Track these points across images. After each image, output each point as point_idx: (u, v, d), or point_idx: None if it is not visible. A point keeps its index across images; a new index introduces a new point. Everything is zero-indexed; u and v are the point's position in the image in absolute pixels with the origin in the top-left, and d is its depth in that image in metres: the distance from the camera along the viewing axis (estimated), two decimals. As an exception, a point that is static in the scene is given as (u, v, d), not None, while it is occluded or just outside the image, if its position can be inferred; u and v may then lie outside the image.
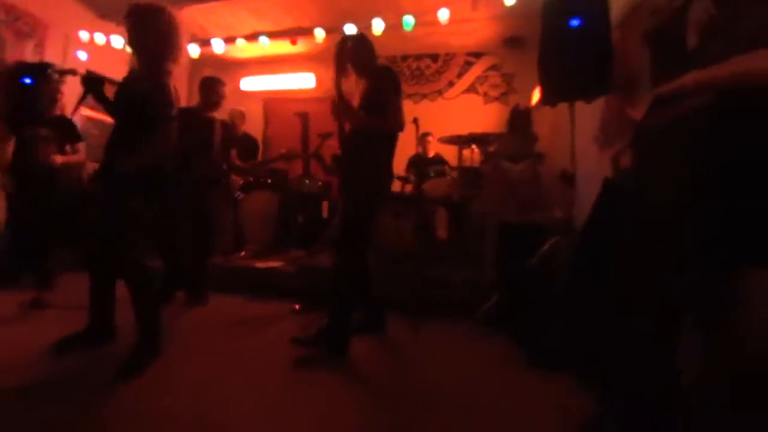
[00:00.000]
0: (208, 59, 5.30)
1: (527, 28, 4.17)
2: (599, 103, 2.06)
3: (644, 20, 1.67)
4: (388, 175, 2.12)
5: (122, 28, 1.84)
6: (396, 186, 4.03)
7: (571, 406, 1.42)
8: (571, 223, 2.06)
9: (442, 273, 2.82)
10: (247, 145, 4.23)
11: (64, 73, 2.51)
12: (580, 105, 2.12)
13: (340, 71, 2.04)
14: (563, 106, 2.16)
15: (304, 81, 5.45)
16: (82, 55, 4.41)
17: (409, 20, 4.09)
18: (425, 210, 3.43)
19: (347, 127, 2.12)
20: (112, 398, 1.45)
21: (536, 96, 3.14)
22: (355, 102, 2.09)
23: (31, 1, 3.90)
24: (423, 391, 1.61)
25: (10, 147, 2.90)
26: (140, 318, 1.76)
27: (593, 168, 2.09)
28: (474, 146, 3.48)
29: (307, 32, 4.41)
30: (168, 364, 1.75)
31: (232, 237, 4.19)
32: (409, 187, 3.88)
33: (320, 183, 4.49)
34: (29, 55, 4.01)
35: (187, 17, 4.52)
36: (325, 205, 4.33)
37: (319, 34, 4.34)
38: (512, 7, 3.76)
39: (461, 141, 3.56)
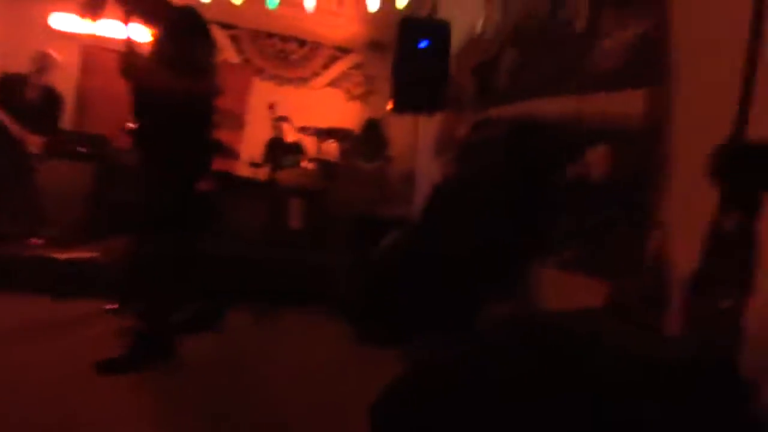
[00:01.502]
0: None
1: (389, 36, 4.49)
2: (439, 118, 2.40)
3: (472, 56, 2.03)
4: (205, 149, 1.83)
5: None
6: (249, 171, 3.84)
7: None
8: (408, 219, 2.36)
9: (294, 261, 2.84)
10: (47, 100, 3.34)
11: None
12: (424, 117, 2.44)
13: (130, 13, 1.63)
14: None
15: (141, 33, 4.63)
16: None
17: (274, -2, 3.92)
18: (278, 198, 3.38)
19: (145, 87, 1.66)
20: None
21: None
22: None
23: None
24: (255, 377, 1.60)
25: None
26: None
27: (430, 172, 2.43)
28: (331, 140, 3.59)
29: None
30: None
31: (23, 217, 3.26)
32: (261, 173, 3.73)
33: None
34: None
35: None
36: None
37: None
38: (377, 13, 3.99)
39: (321, 133, 3.63)
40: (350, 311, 2.26)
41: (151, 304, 1.68)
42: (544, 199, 1.46)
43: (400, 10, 3.70)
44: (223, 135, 3.68)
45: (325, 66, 5.25)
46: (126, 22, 1.64)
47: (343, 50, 5.26)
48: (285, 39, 5.16)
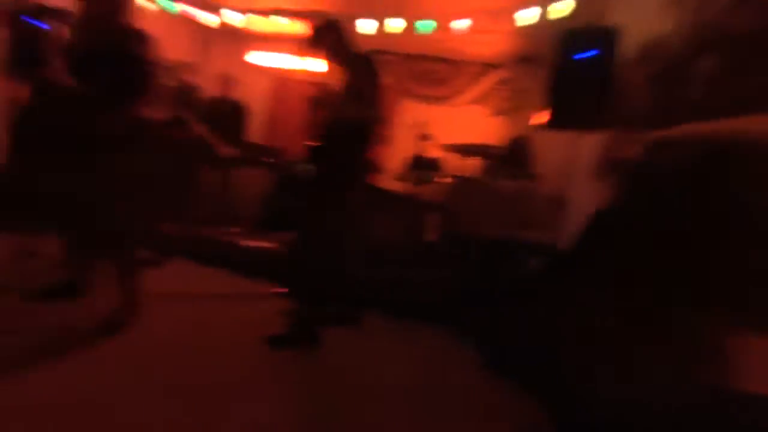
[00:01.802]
0: (221, 28, 5.24)
1: (542, 49, 4.24)
2: (601, 135, 2.13)
3: (651, 65, 1.74)
4: (364, 166, 2.16)
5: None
6: (395, 185, 4.09)
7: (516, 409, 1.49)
8: (556, 247, 2.14)
9: (424, 275, 2.87)
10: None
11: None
12: (582, 134, 2.20)
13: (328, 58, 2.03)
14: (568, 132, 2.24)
15: (318, 65, 5.42)
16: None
17: (427, 24, 4.12)
18: (417, 212, 3.49)
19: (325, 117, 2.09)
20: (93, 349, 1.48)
21: (541, 117, 3.22)
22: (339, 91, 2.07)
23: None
24: (367, 386, 1.66)
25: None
26: (122, 276, 1.80)
27: (587, 196, 2.17)
28: (474, 157, 3.54)
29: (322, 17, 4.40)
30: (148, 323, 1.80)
31: (223, 210, 4.17)
32: (405, 187, 3.92)
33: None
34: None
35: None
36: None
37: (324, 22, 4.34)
38: (529, 27, 3.82)
39: (463, 150, 3.62)
40: (478, 336, 2.17)
41: (310, 295, 1.96)
42: (746, 245, 1.14)
43: (553, 22, 3.46)
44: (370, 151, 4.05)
45: (470, 83, 5.26)
46: (328, 63, 2.05)
47: (489, 66, 5.19)
48: (434, 60, 5.37)
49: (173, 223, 3.65)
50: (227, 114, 4.03)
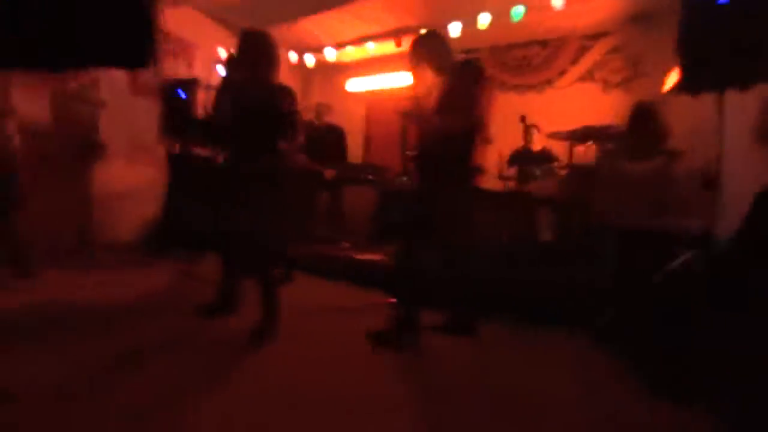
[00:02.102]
0: (319, 65, 5.75)
1: (656, 3, 3.61)
2: (758, 92, 1.70)
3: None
4: (470, 172, 2.14)
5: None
6: (498, 184, 3.90)
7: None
8: (712, 236, 1.75)
9: (543, 278, 2.65)
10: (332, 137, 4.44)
11: (210, 87, 2.98)
12: (731, 94, 1.78)
13: (417, 75, 2.07)
14: (707, 95, 1.84)
15: (407, 79, 5.55)
16: (222, 70, 5.17)
17: (518, 10, 3.87)
18: (527, 210, 3.26)
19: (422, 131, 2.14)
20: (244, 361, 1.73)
21: (672, 80, 2.71)
22: (433, 102, 2.07)
23: (181, 25, 4.67)
24: (507, 397, 1.57)
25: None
26: (266, 293, 2.06)
27: (747, 169, 1.74)
28: (589, 142, 3.17)
29: (413, 31, 4.48)
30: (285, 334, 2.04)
31: (336, 228, 4.53)
32: (511, 184, 3.71)
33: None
34: (182, 71, 4.85)
35: (300, 29, 4.96)
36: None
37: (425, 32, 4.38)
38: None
39: (573, 136, 3.28)
40: (621, 346, 1.90)
41: (409, 301, 2.05)
42: None
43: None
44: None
45: (574, 60, 4.75)
46: (416, 75, 2.09)
47: (593, 37, 4.62)
48: (526, 45, 5.02)
49: (296, 243, 4.10)
50: (329, 139, 4.36)
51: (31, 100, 3.58)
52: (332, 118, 4.65)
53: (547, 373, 1.80)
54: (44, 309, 2.28)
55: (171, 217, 3.68)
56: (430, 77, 2.06)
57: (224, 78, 2.13)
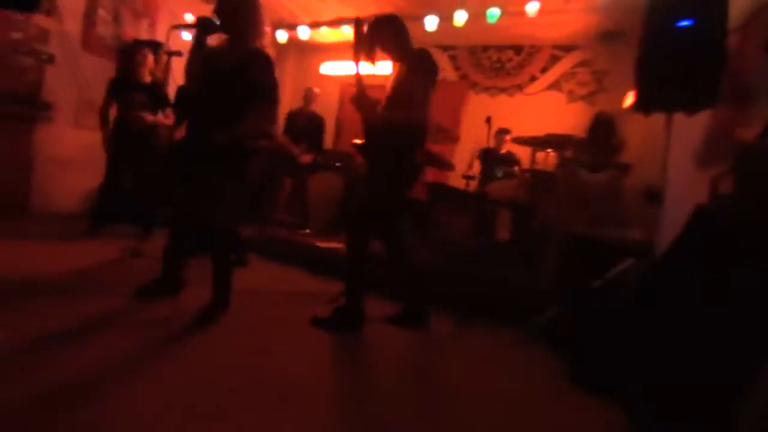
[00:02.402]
0: (293, 44, 5.56)
1: (627, 22, 3.79)
2: (702, 116, 1.83)
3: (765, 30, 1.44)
4: (411, 168, 2.07)
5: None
6: (460, 182, 3.98)
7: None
8: (651, 247, 1.89)
9: (496, 275, 2.75)
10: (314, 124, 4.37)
11: (172, 54, 2.78)
12: (679, 115, 1.90)
13: (359, 57, 1.97)
14: (659, 114, 1.96)
15: (382, 68, 5.50)
16: (186, 36, 4.87)
17: (494, 12, 3.92)
18: (487, 210, 3.35)
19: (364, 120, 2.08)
20: (189, 341, 1.67)
21: (629, 99, 2.87)
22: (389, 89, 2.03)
23: (149, -16, 4.35)
24: (445, 387, 1.63)
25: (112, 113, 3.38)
26: (218, 275, 1.98)
27: (686, 188, 1.88)
28: (550, 149, 3.29)
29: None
30: (233, 317, 2.00)
31: (298, 214, 4.45)
32: (474, 184, 3.80)
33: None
34: (143, 32, 4.53)
35: (277, 3, 4.77)
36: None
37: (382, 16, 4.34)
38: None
39: (537, 142, 3.39)
40: (558, 345, 2.01)
41: (351, 287, 2.07)
42: None
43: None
44: (439, 148, 3.99)
45: (544, 69, 4.91)
46: (371, 61, 2.01)
47: (564, 48, 4.79)
48: (501, 48, 5.12)
49: (256, 225, 3.99)
50: (310, 126, 4.25)
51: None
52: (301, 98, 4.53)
53: (484, 369, 1.87)
54: None
55: (115, 187, 3.44)
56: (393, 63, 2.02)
57: (195, 40, 1.93)
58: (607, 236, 2.05)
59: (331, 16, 4.87)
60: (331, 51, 5.80)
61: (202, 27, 1.90)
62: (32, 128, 3.76)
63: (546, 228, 2.73)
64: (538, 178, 3.16)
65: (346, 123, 5.84)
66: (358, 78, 1.97)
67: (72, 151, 3.99)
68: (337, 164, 4.54)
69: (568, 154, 3.09)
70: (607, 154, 2.51)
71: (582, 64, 4.72)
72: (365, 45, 1.99)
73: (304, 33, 4.93)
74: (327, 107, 5.30)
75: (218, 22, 1.89)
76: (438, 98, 2.09)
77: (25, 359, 1.40)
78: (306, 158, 4.14)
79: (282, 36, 5.02)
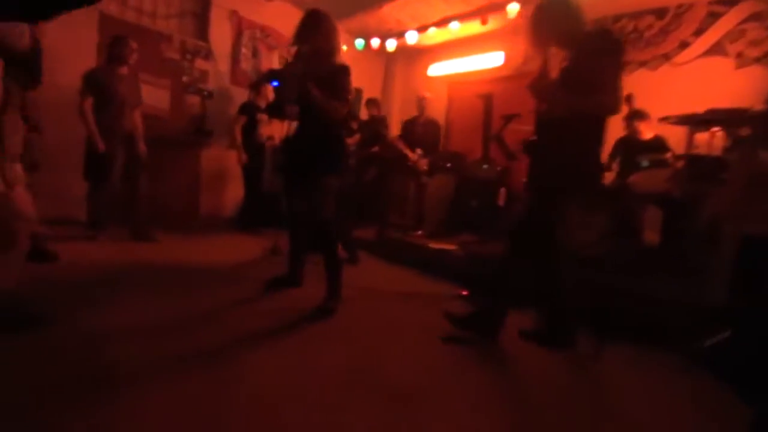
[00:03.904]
0: (401, 50, 5.69)
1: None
2: None
3: None
4: (597, 166, 1.85)
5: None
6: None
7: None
8: None
9: (643, 286, 2.33)
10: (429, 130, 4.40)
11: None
12: None
13: (540, 43, 1.82)
14: None
15: (491, 60, 5.25)
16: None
17: None
18: (628, 207, 2.88)
19: (546, 107, 1.86)
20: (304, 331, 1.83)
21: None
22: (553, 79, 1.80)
23: (277, 18, 4.93)
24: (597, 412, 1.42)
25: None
26: (328, 269, 2.18)
27: None
28: (715, 128, 2.67)
29: (499, 8, 4.19)
30: (347, 315, 2.15)
31: (413, 216, 4.53)
32: (610, 176, 3.31)
33: (498, 168, 4.33)
34: (275, 62, 5.16)
35: (385, 14, 4.93)
36: (502, 191, 4.17)
37: (513, 8, 4.07)
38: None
39: (694, 121, 2.80)
40: (730, 376, 1.59)
41: (498, 298, 1.95)
42: None
43: None
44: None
45: (698, 31, 4.03)
46: (542, 49, 1.86)
47: (727, 2, 3.85)
48: (637, 15, 4.38)
49: (369, 226, 4.19)
50: (425, 131, 4.32)
51: (154, 93, 4.11)
52: (414, 105, 4.61)
53: (638, 397, 1.59)
54: (154, 265, 2.75)
55: (259, 196, 4.10)
56: (553, 50, 1.82)
57: (295, 55, 2.23)
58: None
59: (438, 17, 4.83)
60: (438, 52, 5.76)
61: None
62: (199, 152, 4.64)
63: (714, 228, 2.22)
64: (698, 165, 2.59)
65: (455, 123, 5.73)
66: (544, 63, 1.83)
67: (227, 168, 4.82)
68: (447, 165, 4.48)
69: (744, 132, 2.46)
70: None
71: (753, 17, 3.73)
72: (541, 31, 1.82)
73: (412, 38, 5.00)
74: (435, 108, 5.28)
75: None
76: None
77: (187, 326, 1.82)
78: (423, 163, 4.22)
79: (391, 44, 5.18)
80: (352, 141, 3.77)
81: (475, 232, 3.89)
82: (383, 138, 4.52)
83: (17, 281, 1.60)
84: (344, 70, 2.13)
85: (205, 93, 4.62)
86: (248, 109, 4.22)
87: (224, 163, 4.83)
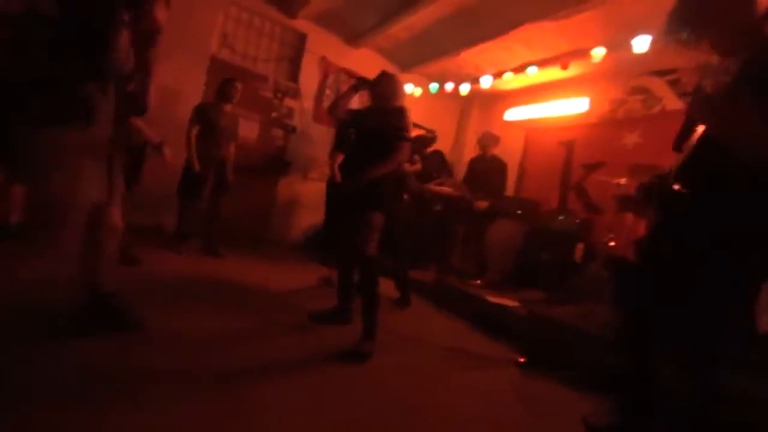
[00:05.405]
0: (476, 94, 5.70)
1: None
2: None
3: None
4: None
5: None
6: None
7: None
8: None
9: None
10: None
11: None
12: None
13: (703, 32, 1.35)
14: None
15: (573, 106, 4.97)
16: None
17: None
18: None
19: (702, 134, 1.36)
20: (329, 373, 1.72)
21: None
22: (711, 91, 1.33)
23: (360, 63, 5.30)
24: None
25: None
26: (365, 306, 2.06)
27: None
28: None
29: (582, 53, 4.00)
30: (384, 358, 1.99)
31: (473, 262, 4.27)
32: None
33: (578, 221, 3.92)
34: (355, 102, 5.50)
35: (463, 60, 5.02)
36: (580, 247, 3.72)
37: (598, 53, 3.83)
38: None
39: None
40: None
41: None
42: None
43: None
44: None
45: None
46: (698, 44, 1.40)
47: None
48: None
49: (426, 269, 4.03)
50: (490, 171, 4.18)
51: (245, 124, 4.64)
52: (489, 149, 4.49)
53: None
54: (215, 280, 2.90)
55: (327, 226, 4.19)
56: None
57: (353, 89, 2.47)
58: None
59: (517, 62, 4.77)
60: (515, 96, 5.65)
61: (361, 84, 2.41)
62: (277, 180, 5.03)
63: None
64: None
65: (531, 170, 5.43)
66: (701, 76, 1.41)
67: (299, 196, 5.14)
68: (518, 212, 4.20)
69: None
70: None
71: None
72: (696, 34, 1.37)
73: (486, 82, 4.99)
74: (511, 153, 5.09)
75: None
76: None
77: (224, 343, 1.85)
78: (481, 204, 4.01)
79: (465, 88, 5.21)
80: (411, 169, 3.65)
81: (543, 290, 3.46)
82: (448, 172, 4.45)
83: (112, 283, 1.67)
84: (402, 111, 2.22)
85: (290, 128, 5.07)
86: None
87: (298, 192, 5.16)
